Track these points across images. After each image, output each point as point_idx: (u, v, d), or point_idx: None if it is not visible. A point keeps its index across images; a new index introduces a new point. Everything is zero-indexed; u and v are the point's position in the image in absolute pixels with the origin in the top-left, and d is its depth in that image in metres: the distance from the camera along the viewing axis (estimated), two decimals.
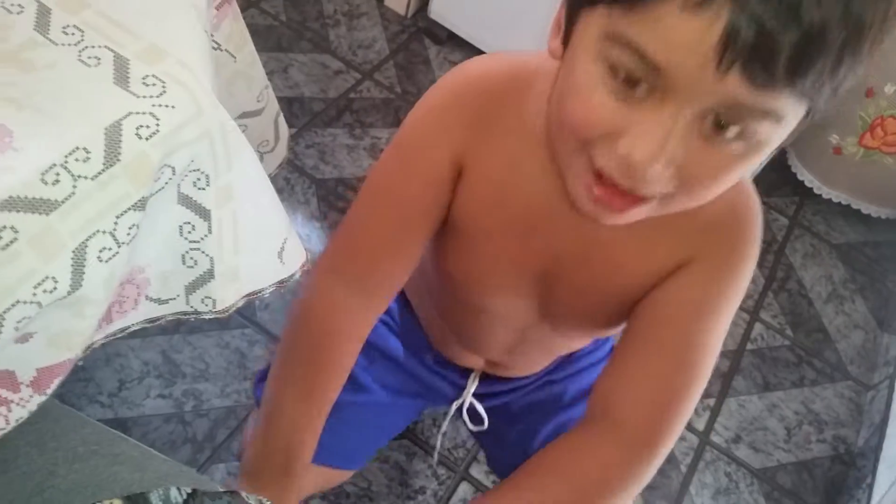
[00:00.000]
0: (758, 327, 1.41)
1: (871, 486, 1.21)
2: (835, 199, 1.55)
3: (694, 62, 0.39)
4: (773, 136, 0.43)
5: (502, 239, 0.62)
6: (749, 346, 1.38)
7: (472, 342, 0.80)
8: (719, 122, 0.41)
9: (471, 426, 0.87)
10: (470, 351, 0.82)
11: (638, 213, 0.48)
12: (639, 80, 0.41)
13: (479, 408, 0.85)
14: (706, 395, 1.30)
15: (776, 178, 1.63)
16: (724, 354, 1.36)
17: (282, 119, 0.78)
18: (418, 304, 0.83)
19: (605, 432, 0.59)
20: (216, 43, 0.67)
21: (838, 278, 1.53)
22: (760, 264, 1.51)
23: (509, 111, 0.58)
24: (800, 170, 1.56)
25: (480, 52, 1.62)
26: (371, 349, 0.83)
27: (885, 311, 1.50)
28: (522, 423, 0.86)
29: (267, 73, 1.49)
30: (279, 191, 1.34)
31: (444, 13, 1.59)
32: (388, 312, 0.86)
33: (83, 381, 1.04)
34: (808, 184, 1.55)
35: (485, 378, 0.85)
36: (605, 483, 0.57)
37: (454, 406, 0.86)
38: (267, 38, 1.56)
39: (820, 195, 1.56)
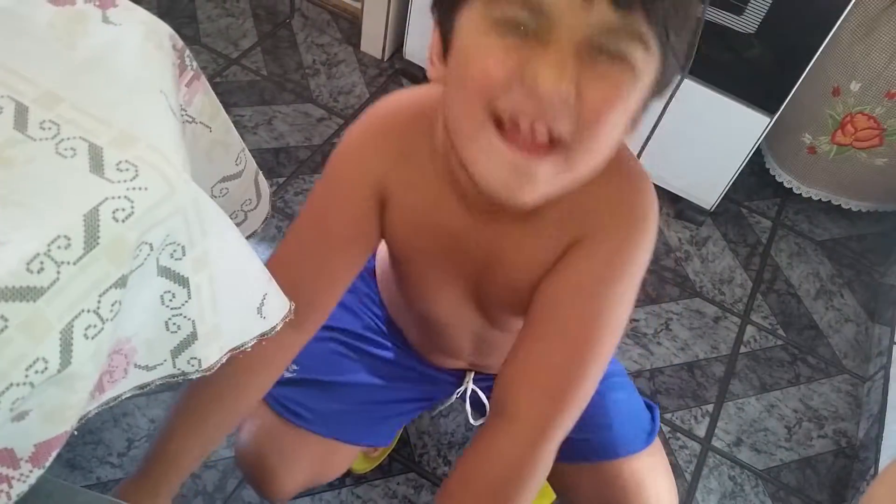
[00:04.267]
0: (749, 330, 1.44)
1: (875, 477, 1.22)
2: (815, 197, 1.58)
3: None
4: (646, 64, 0.49)
5: (430, 256, 0.69)
6: (742, 350, 1.40)
7: (443, 347, 0.87)
8: (600, 48, 0.48)
9: (473, 421, 0.92)
10: (446, 356, 0.89)
11: (547, 171, 0.51)
12: (527, 27, 0.47)
13: (482, 394, 0.92)
14: (703, 401, 1.32)
15: (755, 182, 1.67)
16: (718, 359, 1.38)
17: (261, 178, 0.82)
18: (396, 316, 0.91)
19: (501, 430, 0.61)
20: (190, 117, 0.71)
21: (825, 274, 1.55)
22: (746, 266, 1.54)
23: (420, 141, 0.63)
24: (777, 171, 1.60)
25: None
26: (364, 355, 0.90)
27: (874, 302, 1.52)
28: None
29: (252, 126, 1.56)
30: (271, 238, 1.39)
31: (418, 53, 1.65)
32: (377, 324, 0.93)
33: (93, 444, 1.08)
34: (787, 184, 1.59)
35: (479, 375, 0.93)
36: (510, 479, 0.60)
37: (457, 393, 0.93)
38: (250, 93, 1.62)
39: (800, 194, 1.59)
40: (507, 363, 0.63)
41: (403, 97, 0.68)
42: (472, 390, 0.93)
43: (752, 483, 1.25)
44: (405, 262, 0.73)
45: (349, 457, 0.91)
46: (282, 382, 0.83)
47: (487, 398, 0.92)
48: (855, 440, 1.33)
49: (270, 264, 0.67)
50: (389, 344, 0.92)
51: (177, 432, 0.66)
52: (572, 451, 0.68)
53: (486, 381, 0.93)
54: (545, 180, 0.52)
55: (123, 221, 0.50)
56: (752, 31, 1.26)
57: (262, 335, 0.62)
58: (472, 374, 0.93)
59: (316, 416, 0.85)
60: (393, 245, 0.72)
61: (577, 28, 0.47)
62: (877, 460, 1.23)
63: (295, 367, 0.86)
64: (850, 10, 1.17)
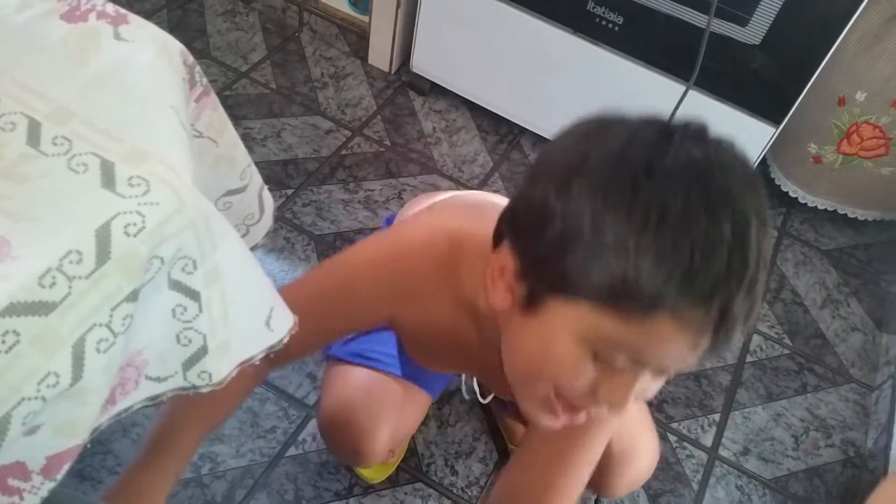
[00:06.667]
0: (756, 339, 1.44)
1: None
2: (820, 206, 1.58)
3: (681, 358, 0.51)
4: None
5: (438, 353, 0.79)
6: (749, 359, 1.40)
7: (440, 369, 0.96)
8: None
9: (466, 396, 1.01)
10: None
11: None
12: (631, 364, 0.52)
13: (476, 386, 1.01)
14: (710, 410, 1.32)
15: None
16: (724, 369, 1.38)
17: (266, 193, 0.83)
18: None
19: None
20: (198, 132, 0.72)
21: (832, 283, 1.55)
22: None
23: (436, 279, 0.70)
24: (783, 181, 1.60)
25: (463, 100, 1.68)
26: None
27: (881, 311, 1.52)
28: None
29: (261, 139, 1.57)
30: (280, 250, 1.40)
31: (425, 66, 1.66)
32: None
33: (101, 455, 1.08)
34: (792, 194, 1.59)
35: None
36: None
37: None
38: (259, 106, 1.63)
39: (805, 204, 1.59)
40: (511, 462, 0.75)
41: (432, 235, 0.71)
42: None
43: (760, 493, 1.24)
44: (411, 345, 0.81)
45: (420, 408, 0.98)
46: (348, 342, 0.94)
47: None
48: (863, 450, 1.32)
49: None
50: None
51: (164, 443, 0.71)
52: None
53: None
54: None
55: (135, 236, 0.50)
56: (756, 43, 1.26)
57: (271, 348, 0.63)
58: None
59: (391, 359, 0.92)
60: (400, 336, 0.83)
61: (661, 369, 0.53)
62: (886, 470, 1.23)
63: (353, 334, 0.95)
64: (855, 20, 1.18)
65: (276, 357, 0.69)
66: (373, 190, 1.53)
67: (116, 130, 0.56)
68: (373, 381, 0.91)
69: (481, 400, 1.00)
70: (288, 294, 0.74)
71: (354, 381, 0.91)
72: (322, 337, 0.78)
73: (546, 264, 0.53)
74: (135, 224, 0.51)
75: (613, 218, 0.48)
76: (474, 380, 1.00)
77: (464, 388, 1.00)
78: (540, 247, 0.53)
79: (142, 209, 0.52)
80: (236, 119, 1.58)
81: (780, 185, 1.60)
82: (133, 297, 0.50)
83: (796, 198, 1.59)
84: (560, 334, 0.53)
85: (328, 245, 1.43)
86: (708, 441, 1.29)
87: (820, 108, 1.45)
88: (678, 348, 0.49)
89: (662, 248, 0.47)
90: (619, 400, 0.54)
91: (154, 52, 0.61)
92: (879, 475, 1.24)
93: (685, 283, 0.47)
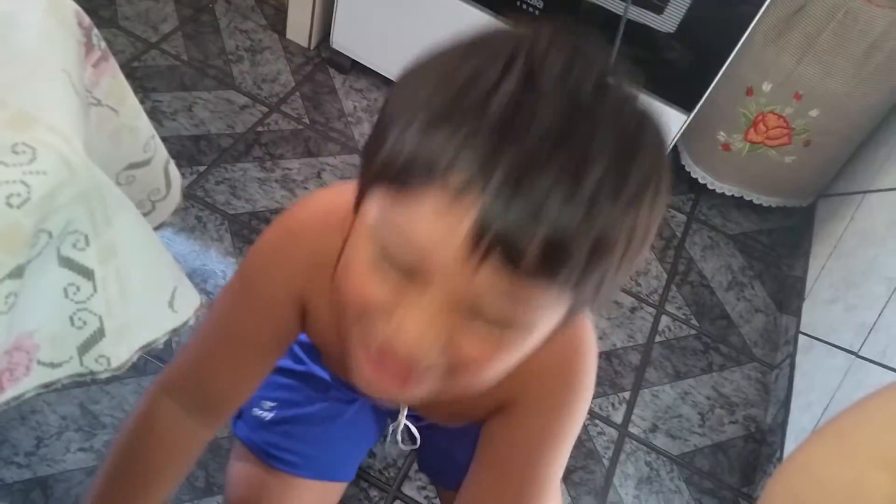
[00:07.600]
0: (664, 320, 1.48)
1: (781, 460, 1.28)
2: (727, 193, 1.64)
3: (449, 253, 0.39)
4: (536, 321, 0.43)
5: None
6: (657, 339, 1.45)
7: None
8: (479, 312, 0.42)
9: (403, 447, 0.92)
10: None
11: (418, 390, 0.47)
12: (406, 264, 0.41)
13: (413, 428, 0.90)
14: (620, 388, 1.36)
15: (671, 178, 1.72)
16: (634, 348, 1.42)
17: (172, 167, 0.79)
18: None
19: None
20: (96, 99, 0.68)
21: (737, 266, 1.62)
22: (661, 259, 1.58)
23: (334, 249, 0.58)
24: (692, 168, 1.65)
25: (384, 79, 1.66)
26: (306, 378, 0.89)
27: (782, 293, 1.60)
28: (449, 436, 0.92)
29: (171, 113, 1.51)
30: (191, 230, 1.35)
31: (345, 43, 1.63)
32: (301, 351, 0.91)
33: None
34: (701, 180, 1.64)
35: (411, 412, 0.91)
36: None
37: (391, 427, 0.91)
38: (170, 79, 1.56)
39: (713, 190, 1.65)
40: (466, 491, 0.67)
41: (318, 200, 0.63)
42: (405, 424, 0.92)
43: (668, 468, 1.29)
44: (326, 347, 0.73)
45: (339, 493, 0.92)
46: (263, 426, 0.85)
47: (419, 430, 0.93)
48: (763, 425, 1.39)
49: (178, 367, 0.65)
50: (318, 367, 0.90)
51: None
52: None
53: (419, 419, 0.94)
54: (424, 393, 0.48)
55: (19, 207, 0.47)
56: (671, 31, 1.29)
57: (174, 330, 0.60)
58: (405, 410, 0.92)
59: (304, 460, 0.84)
60: (314, 338, 0.72)
61: (454, 288, 0.40)
62: (783, 444, 1.29)
63: (272, 405, 0.86)
64: (763, 12, 1.22)
65: (215, 414, 0.67)
66: (291, 169, 1.50)
67: (0, 94, 0.52)
68: (283, 486, 0.84)
69: (402, 447, 0.95)
70: (188, 352, 0.66)
71: (263, 482, 0.84)
72: (244, 376, 0.68)
73: (363, 155, 0.45)
74: (18, 195, 0.48)
75: (426, 90, 0.41)
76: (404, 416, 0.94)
77: (399, 437, 0.93)
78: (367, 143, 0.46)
79: (27, 178, 0.48)
80: (145, 91, 1.51)
81: (689, 172, 1.66)
82: (17, 273, 0.47)
83: (705, 184, 1.64)
84: (360, 232, 0.44)
85: (242, 225, 1.39)
86: (618, 418, 1.33)
87: (729, 97, 1.50)
88: (439, 226, 0.38)
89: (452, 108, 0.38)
90: (409, 323, 0.42)
91: (44, 10, 0.57)
92: (777, 448, 1.30)
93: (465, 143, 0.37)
